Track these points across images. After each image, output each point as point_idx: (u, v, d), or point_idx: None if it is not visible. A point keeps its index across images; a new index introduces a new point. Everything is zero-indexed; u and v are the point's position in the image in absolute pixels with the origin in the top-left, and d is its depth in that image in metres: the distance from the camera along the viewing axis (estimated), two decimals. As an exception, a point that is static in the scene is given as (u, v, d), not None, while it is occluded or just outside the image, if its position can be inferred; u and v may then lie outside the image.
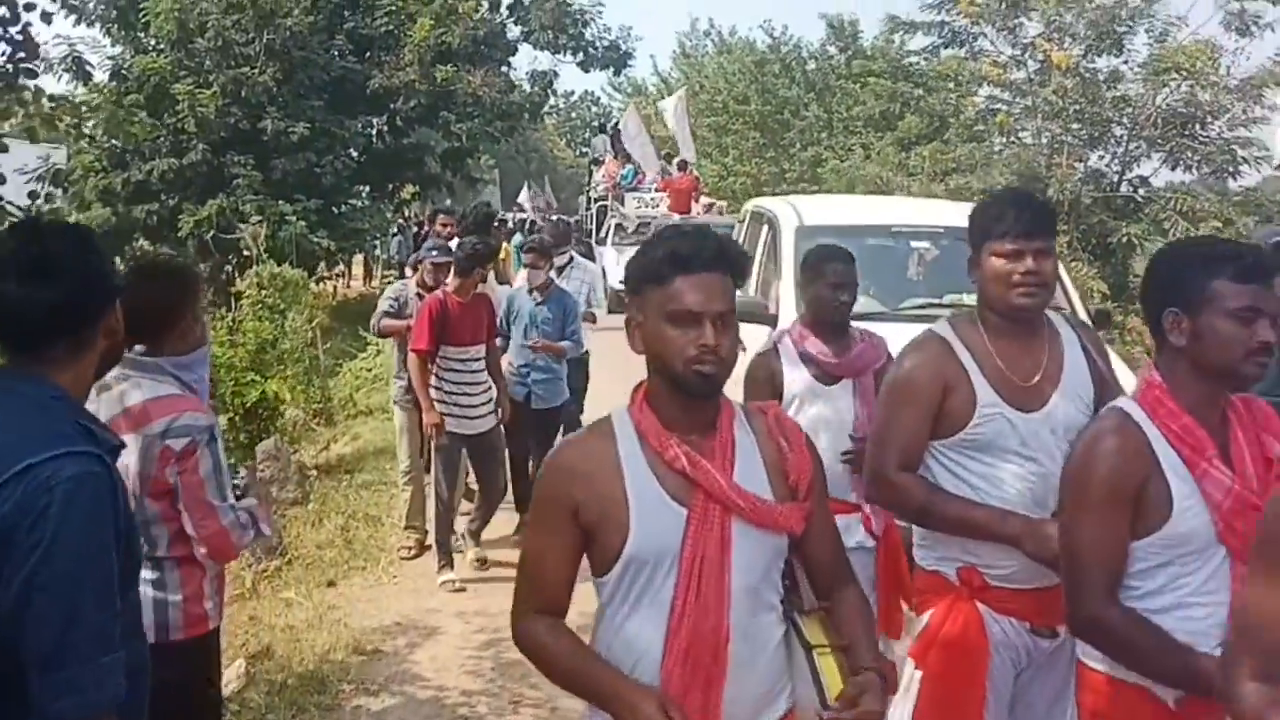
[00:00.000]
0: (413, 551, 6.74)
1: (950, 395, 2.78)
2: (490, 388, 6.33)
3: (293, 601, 6.02)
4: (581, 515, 2.06)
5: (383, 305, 6.96)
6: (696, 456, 2.04)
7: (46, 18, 4.78)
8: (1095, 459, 2.30)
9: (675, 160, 21.62)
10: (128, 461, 2.78)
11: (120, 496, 1.92)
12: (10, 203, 4.51)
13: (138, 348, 2.97)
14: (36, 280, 1.90)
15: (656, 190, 21.79)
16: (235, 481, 3.23)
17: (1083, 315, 6.33)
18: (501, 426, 6.46)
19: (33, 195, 5.62)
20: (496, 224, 25.48)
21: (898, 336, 3.73)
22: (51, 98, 4.90)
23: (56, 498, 1.76)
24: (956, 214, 7.44)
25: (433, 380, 6.20)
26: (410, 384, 6.41)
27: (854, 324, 4.00)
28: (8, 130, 5.11)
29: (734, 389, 2.36)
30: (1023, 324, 2.82)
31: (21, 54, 4.51)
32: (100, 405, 2.81)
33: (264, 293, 9.49)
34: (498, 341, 6.57)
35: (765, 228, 7.60)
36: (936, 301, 6.36)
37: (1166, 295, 2.31)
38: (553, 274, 7.38)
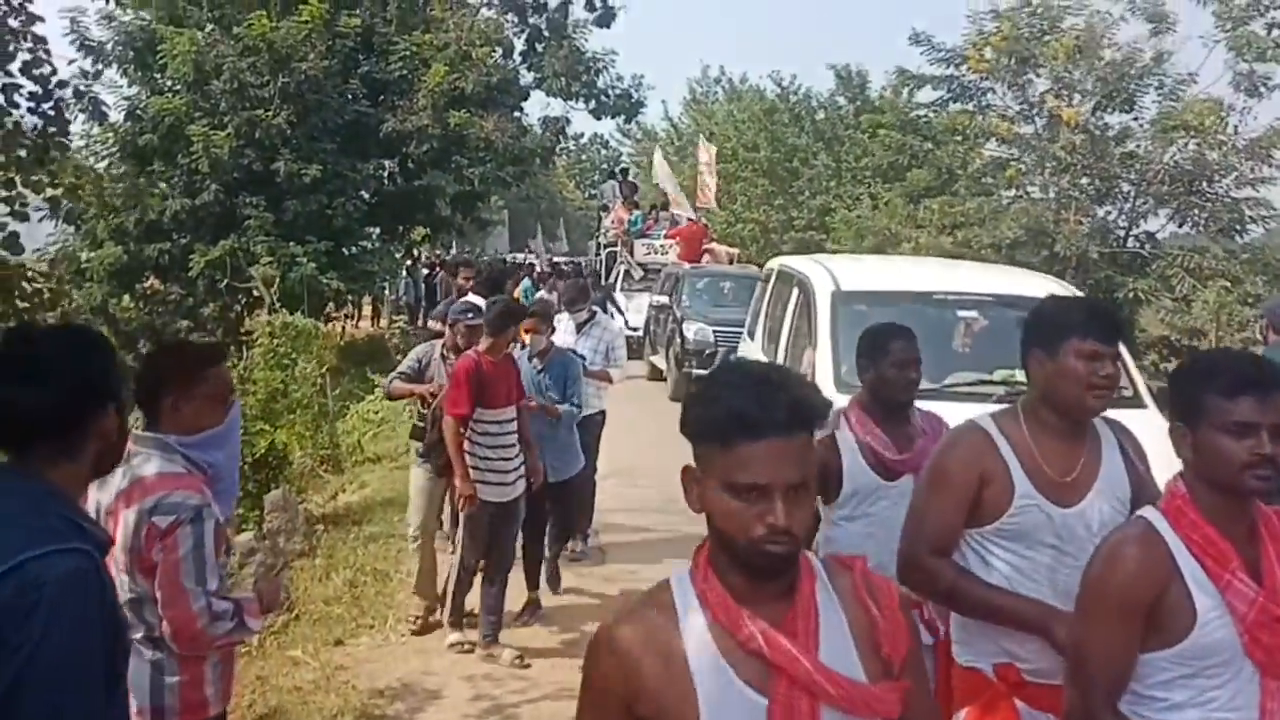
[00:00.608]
0: (419, 622, 6.46)
1: (988, 486, 2.83)
2: (520, 453, 6.10)
3: (300, 660, 5.99)
4: (638, 709, 1.77)
5: (403, 365, 6.76)
6: (775, 635, 1.73)
7: (79, 95, 4.88)
8: (1114, 567, 2.31)
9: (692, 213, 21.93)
10: (119, 538, 2.80)
11: (109, 592, 1.94)
12: (31, 270, 4.57)
13: (144, 423, 3.01)
14: (25, 383, 1.94)
15: (665, 237, 21.91)
16: (231, 555, 3.22)
17: (1145, 395, 6.16)
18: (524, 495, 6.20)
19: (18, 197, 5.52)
20: (518, 265, 25.77)
21: (945, 416, 3.75)
22: (76, 169, 4.98)
23: (45, 596, 1.76)
24: (1005, 281, 7.25)
25: (466, 446, 5.91)
26: (422, 447, 6.26)
27: (917, 403, 3.84)
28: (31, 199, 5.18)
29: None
30: (1072, 423, 2.86)
31: (53, 129, 4.60)
32: (115, 478, 2.82)
33: (275, 341, 9.53)
34: None
35: (795, 290, 7.30)
36: (987, 378, 6.06)
37: (1173, 410, 2.36)
38: (570, 333, 7.40)
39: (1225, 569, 2.24)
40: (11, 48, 4.50)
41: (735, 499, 1.71)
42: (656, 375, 16.91)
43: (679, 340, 15.50)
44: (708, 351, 14.88)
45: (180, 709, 2.92)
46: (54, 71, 4.76)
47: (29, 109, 4.48)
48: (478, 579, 6.19)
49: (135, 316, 17.51)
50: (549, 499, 6.61)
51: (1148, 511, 2.37)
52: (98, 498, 2.90)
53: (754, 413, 1.70)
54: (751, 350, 8.53)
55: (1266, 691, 2.23)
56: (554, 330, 7.04)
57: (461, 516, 6.08)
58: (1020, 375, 5.52)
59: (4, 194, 4.66)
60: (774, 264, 8.84)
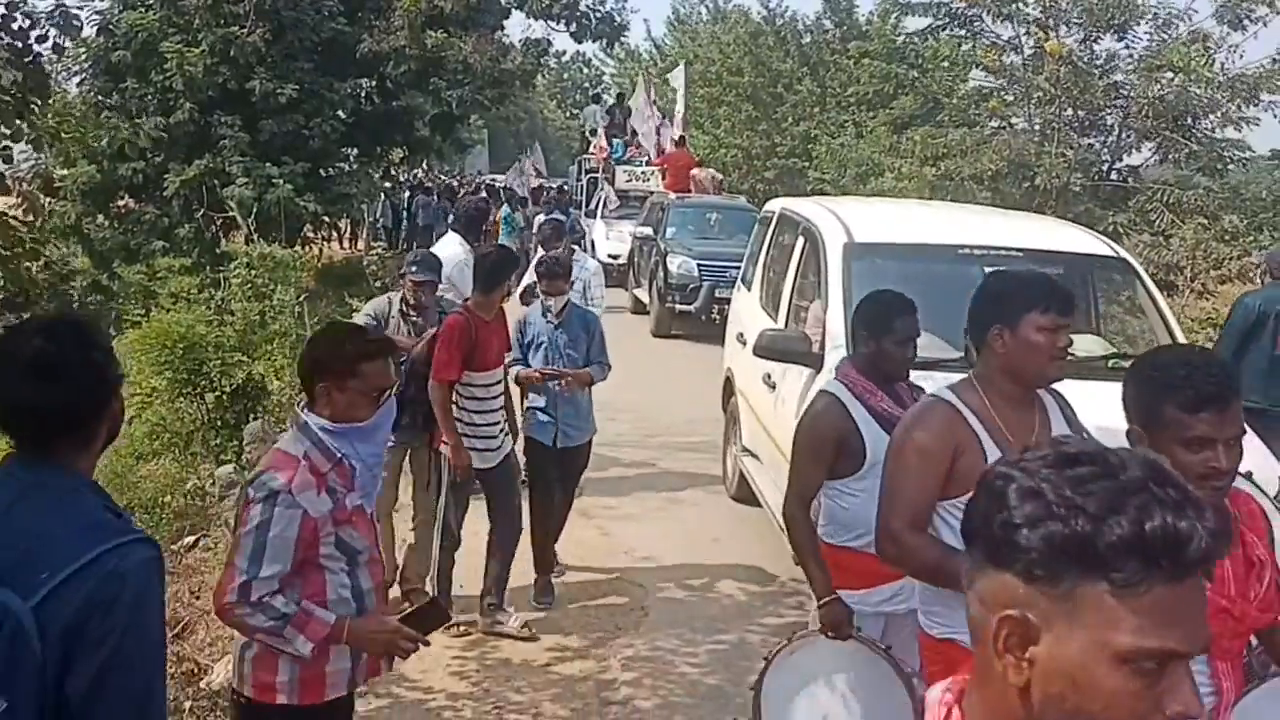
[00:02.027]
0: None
1: (961, 456, 2.88)
2: (504, 410, 5.70)
3: (279, 593, 6.06)
4: None
5: (359, 320, 5.96)
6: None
7: (58, 49, 4.81)
8: None
9: (673, 137, 21.11)
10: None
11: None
12: (7, 215, 4.54)
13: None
14: (44, 383, 1.94)
15: (648, 165, 21.52)
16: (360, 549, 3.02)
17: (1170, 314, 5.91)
18: (515, 453, 5.79)
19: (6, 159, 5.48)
20: (499, 190, 25.39)
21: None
22: (57, 114, 4.93)
23: (128, 586, 1.81)
24: (1037, 233, 6.58)
25: (453, 410, 5.46)
26: (399, 420, 5.39)
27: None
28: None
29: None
30: (1026, 391, 2.96)
31: (33, 84, 4.54)
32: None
33: (253, 273, 9.47)
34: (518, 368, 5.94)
35: (801, 239, 6.65)
36: None
37: (1132, 413, 2.38)
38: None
39: None
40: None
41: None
42: (640, 309, 16.54)
43: (662, 274, 15.11)
44: (691, 286, 14.63)
45: (251, 683, 2.98)
46: (33, 25, 4.68)
47: (7, 60, 4.41)
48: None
49: (110, 236, 17.33)
50: (557, 466, 6.06)
51: None
52: None
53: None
54: (747, 303, 8.00)
55: (1219, 672, 2.31)
56: (572, 286, 6.50)
57: (445, 484, 5.61)
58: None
59: (-18, 143, 4.62)
60: (775, 206, 8.12)
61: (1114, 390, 2.50)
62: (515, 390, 6.13)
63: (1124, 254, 6.44)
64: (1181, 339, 5.75)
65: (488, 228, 17.28)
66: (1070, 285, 6.27)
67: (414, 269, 5.87)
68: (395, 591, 5.88)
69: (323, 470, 2.91)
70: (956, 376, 3.31)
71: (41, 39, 4.60)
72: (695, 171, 19.91)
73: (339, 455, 2.95)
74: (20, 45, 4.46)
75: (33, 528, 1.86)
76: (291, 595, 2.86)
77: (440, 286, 7.27)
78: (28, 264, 4.74)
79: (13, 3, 4.54)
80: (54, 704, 1.77)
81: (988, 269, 5.39)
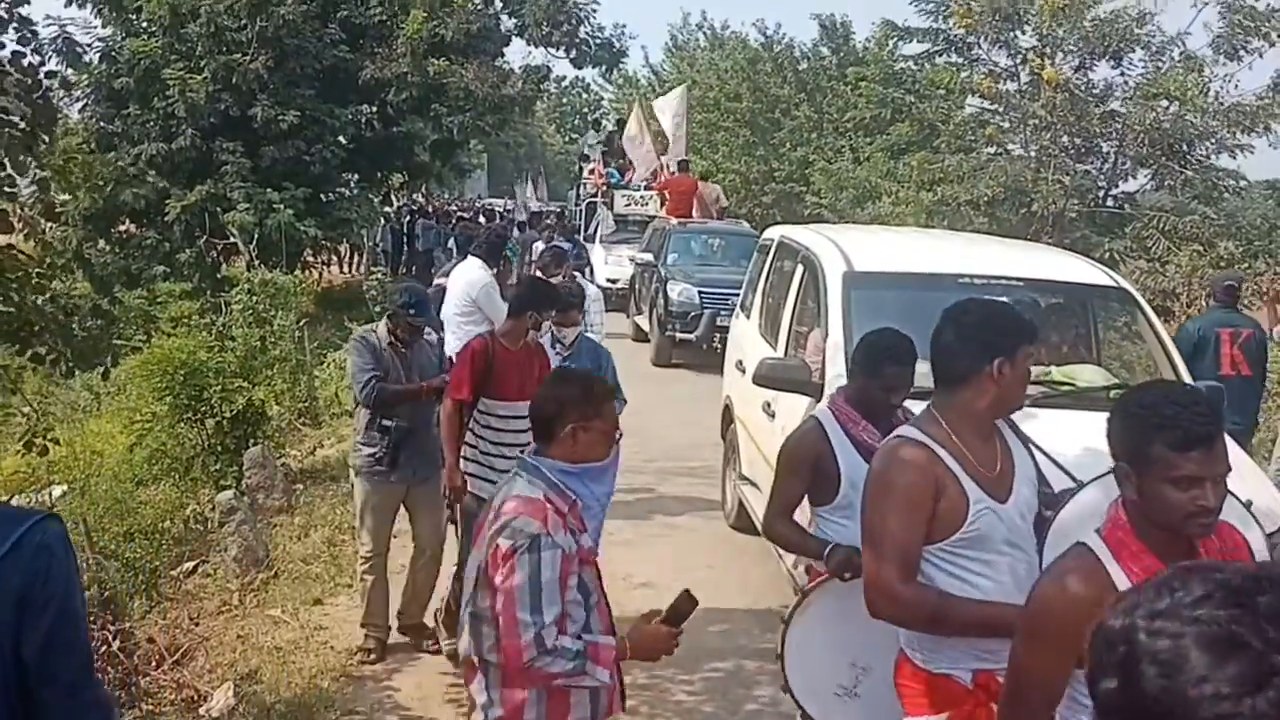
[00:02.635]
0: (373, 655, 5.68)
1: (942, 497, 2.80)
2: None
3: (279, 620, 6.09)
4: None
5: (363, 368, 5.56)
6: None
7: (66, 85, 4.86)
8: (1057, 594, 2.35)
9: (676, 160, 20.63)
10: (477, 552, 2.95)
11: None
12: (14, 248, 4.60)
13: (532, 445, 3.11)
14: None
15: (647, 189, 21.39)
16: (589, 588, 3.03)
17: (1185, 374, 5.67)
18: None
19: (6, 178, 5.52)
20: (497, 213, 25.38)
21: None
22: (65, 152, 5.00)
23: (55, 556, 2.02)
24: (1038, 263, 6.51)
25: (467, 437, 5.38)
26: (379, 451, 5.49)
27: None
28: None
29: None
30: (990, 420, 2.95)
31: (42, 120, 4.60)
32: (500, 493, 3.01)
33: (254, 298, 9.52)
34: None
35: (800, 267, 6.66)
36: None
37: (1118, 449, 2.37)
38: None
39: None
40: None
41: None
42: (641, 336, 16.08)
43: (663, 301, 14.72)
44: (692, 314, 14.30)
45: None
46: (42, 63, 4.76)
47: (16, 96, 4.47)
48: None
49: (111, 261, 17.42)
50: None
51: (1090, 539, 2.40)
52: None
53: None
54: (745, 330, 8.04)
55: None
56: (585, 316, 6.40)
57: (457, 515, 5.49)
58: (1058, 374, 5.46)
59: (-13, 173, 4.68)
60: (774, 234, 8.13)
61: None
62: None
63: (1124, 284, 6.40)
64: (1184, 371, 5.73)
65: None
66: (1071, 315, 6.38)
67: (413, 312, 5.60)
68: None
69: (563, 511, 2.93)
70: None
71: (51, 74, 4.67)
72: (700, 186, 19.50)
73: (573, 497, 2.99)
74: (30, 81, 4.53)
75: None
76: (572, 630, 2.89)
77: (463, 310, 7.16)
78: (34, 297, 4.79)
79: (24, 38, 4.61)
80: (13, 668, 1.99)
81: (988, 299, 5.49)
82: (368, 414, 5.57)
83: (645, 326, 15.95)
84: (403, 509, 5.83)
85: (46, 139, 4.78)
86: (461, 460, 5.39)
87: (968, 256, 6.57)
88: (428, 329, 5.85)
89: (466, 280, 7.52)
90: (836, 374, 5.23)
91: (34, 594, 1.97)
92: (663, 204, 19.84)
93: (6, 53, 4.60)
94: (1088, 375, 5.46)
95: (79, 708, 2.08)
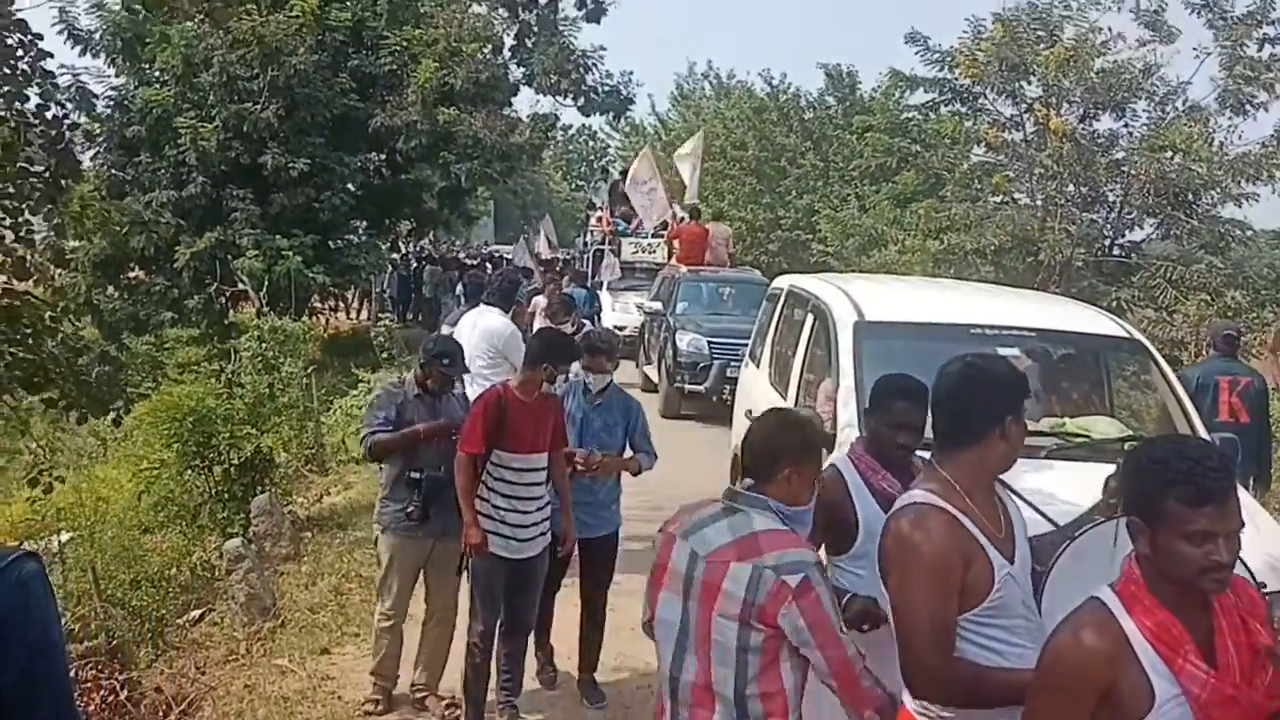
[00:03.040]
0: (380, 705, 5.60)
1: (970, 566, 2.73)
2: (546, 505, 5.32)
3: (286, 670, 6.04)
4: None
5: (376, 416, 5.54)
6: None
7: (89, 135, 4.92)
8: (1071, 649, 2.33)
9: (689, 206, 20.37)
10: (728, 587, 2.85)
11: None
12: (30, 294, 4.63)
13: (747, 481, 3.06)
14: None
15: (654, 236, 21.35)
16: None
17: (1200, 426, 5.62)
18: (547, 553, 5.41)
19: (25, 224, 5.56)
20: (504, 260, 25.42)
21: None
22: (82, 198, 5.06)
23: (32, 591, 2.07)
24: (1052, 314, 6.46)
25: (480, 490, 5.19)
26: (408, 506, 5.37)
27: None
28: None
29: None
30: (994, 479, 2.91)
31: (64, 170, 4.66)
32: (713, 530, 2.95)
33: (264, 345, 9.54)
34: None
35: (810, 316, 6.63)
36: (1034, 428, 4.96)
37: (1130, 503, 2.36)
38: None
39: (1178, 653, 2.28)
40: (24, 88, 4.56)
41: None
42: (650, 387, 15.65)
43: (671, 352, 14.36)
44: (702, 365, 13.93)
45: None
46: (66, 115, 4.82)
47: (40, 147, 4.53)
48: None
49: (119, 307, 17.49)
50: (583, 559, 5.81)
51: (1104, 594, 2.39)
52: (691, 546, 2.96)
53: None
54: (755, 379, 7.95)
55: None
56: (617, 365, 6.10)
57: (469, 574, 5.34)
58: (1072, 425, 5.45)
59: (10, 222, 4.72)
60: (783, 283, 8.09)
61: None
62: None
63: (1137, 335, 6.36)
64: (1199, 423, 5.67)
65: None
66: (1084, 365, 6.36)
67: (446, 362, 5.56)
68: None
69: None
70: None
71: (74, 126, 4.74)
72: (711, 228, 19.23)
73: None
74: (54, 133, 4.59)
75: None
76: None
77: (488, 361, 7.12)
78: (46, 340, 4.82)
79: (46, 91, 4.68)
80: None
81: (1001, 349, 5.43)
82: (395, 468, 5.48)
83: (654, 376, 15.65)
84: None
85: (68, 188, 4.84)
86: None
87: (979, 306, 6.53)
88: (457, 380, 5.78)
89: (487, 329, 7.46)
90: (848, 424, 5.18)
91: (12, 626, 2.03)
92: (671, 254, 19.60)
93: (31, 105, 4.68)
94: (1102, 427, 5.43)
95: None
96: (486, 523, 5.17)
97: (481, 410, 5.14)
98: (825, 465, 3.89)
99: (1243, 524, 2.31)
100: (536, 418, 5.20)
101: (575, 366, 5.92)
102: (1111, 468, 3.30)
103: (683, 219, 19.92)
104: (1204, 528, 2.23)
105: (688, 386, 14.02)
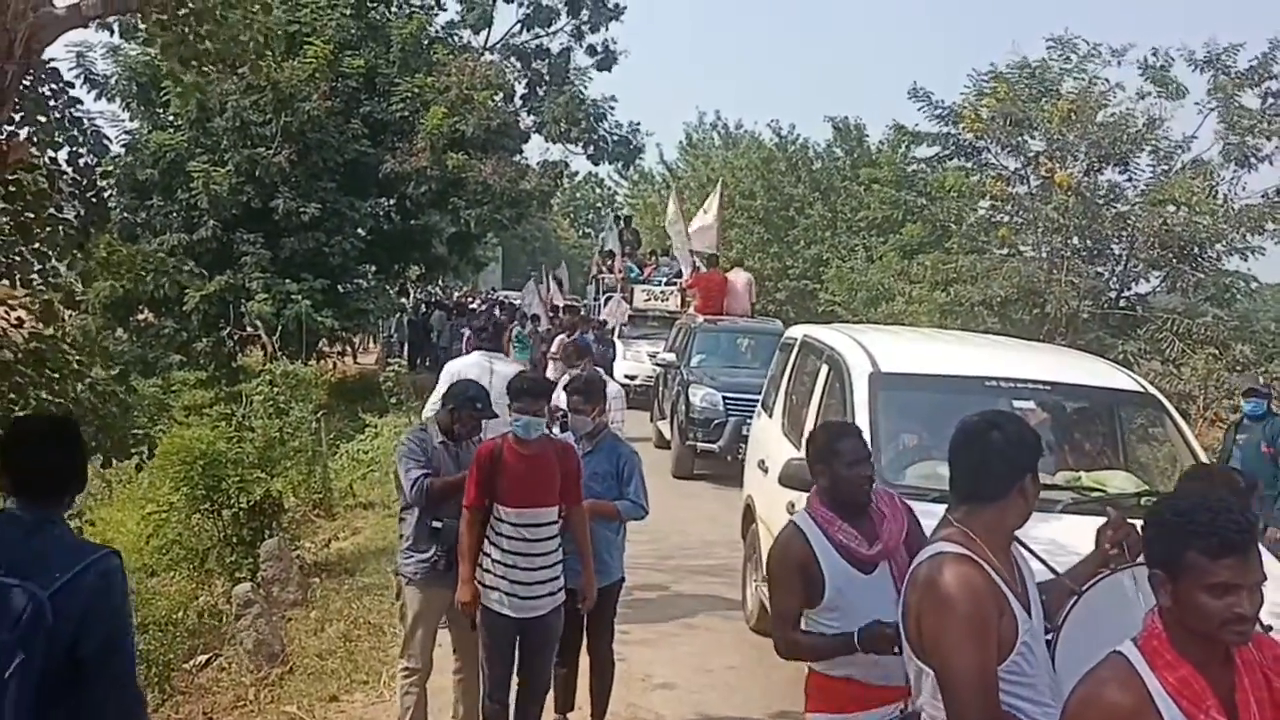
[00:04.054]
0: None
1: (1002, 618, 2.71)
2: (559, 561, 5.03)
3: (295, 717, 6.01)
4: None
5: (413, 460, 5.38)
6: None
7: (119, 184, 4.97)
8: (1094, 705, 2.33)
9: (706, 254, 19.54)
10: None
11: None
12: (56, 338, 4.68)
13: None
14: (61, 455, 2.87)
15: (668, 284, 20.75)
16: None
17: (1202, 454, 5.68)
18: (563, 610, 5.10)
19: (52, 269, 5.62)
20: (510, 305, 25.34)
21: None
22: (109, 244, 5.13)
23: (113, 580, 2.75)
24: (1067, 367, 6.41)
25: (484, 545, 4.99)
26: (433, 556, 5.23)
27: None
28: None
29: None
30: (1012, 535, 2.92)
31: (94, 218, 4.73)
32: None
33: (275, 390, 9.59)
34: None
35: (825, 367, 6.58)
36: (1050, 482, 4.91)
37: (1152, 556, 2.38)
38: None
39: (1200, 709, 2.28)
40: (58, 135, 4.65)
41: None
42: (664, 443, 14.58)
43: (684, 407, 13.40)
44: (716, 422, 12.94)
45: None
46: (98, 163, 4.90)
47: (71, 194, 4.60)
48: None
49: (128, 350, 17.55)
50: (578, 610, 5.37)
51: (1126, 648, 2.39)
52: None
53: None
54: (767, 428, 7.86)
55: None
56: (605, 410, 5.91)
57: (479, 635, 5.11)
58: (1088, 479, 5.44)
59: (39, 267, 4.78)
60: (796, 333, 8.03)
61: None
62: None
63: (1151, 389, 6.32)
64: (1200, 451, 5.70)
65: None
66: (1098, 419, 6.35)
67: (480, 406, 5.40)
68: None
69: None
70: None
71: (107, 174, 4.83)
72: (732, 275, 18.57)
73: None
74: (85, 181, 4.66)
75: (44, 547, 2.74)
76: None
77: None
78: (74, 384, 4.86)
79: (73, 137, 4.76)
80: (67, 664, 2.64)
81: (1016, 402, 5.44)
82: (415, 518, 5.32)
83: (667, 433, 14.56)
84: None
85: (96, 234, 4.90)
86: (477, 570, 5.01)
87: (993, 359, 6.47)
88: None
89: (507, 371, 7.43)
90: None
91: (96, 607, 2.67)
92: (684, 303, 19.15)
93: (63, 154, 4.76)
94: (1118, 482, 5.42)
95: (124, 695, 2.75)
96: (488, 578, 4.96)
97: (476, 463, 4.96)
98: (785, 524, 3.88)
99: (1265, 577, 2.31)
100: (539, 469, 4.92)
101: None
102: (1103, 520, 3.31)
103: (698, 268, 19.41)
104: (1226, 579, 2.24)
105: (701, 445, 13.10)
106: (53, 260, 4.79)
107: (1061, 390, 5.90)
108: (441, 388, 7.14)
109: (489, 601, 4.95)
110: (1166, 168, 15.31)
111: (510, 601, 4.92)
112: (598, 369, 7.60)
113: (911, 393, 5.72)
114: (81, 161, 4.73)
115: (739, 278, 18.55)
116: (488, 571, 4.96)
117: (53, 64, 4.66)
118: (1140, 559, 2.89)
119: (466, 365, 7.33)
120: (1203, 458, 5.77)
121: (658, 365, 15.85)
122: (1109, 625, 2.85)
